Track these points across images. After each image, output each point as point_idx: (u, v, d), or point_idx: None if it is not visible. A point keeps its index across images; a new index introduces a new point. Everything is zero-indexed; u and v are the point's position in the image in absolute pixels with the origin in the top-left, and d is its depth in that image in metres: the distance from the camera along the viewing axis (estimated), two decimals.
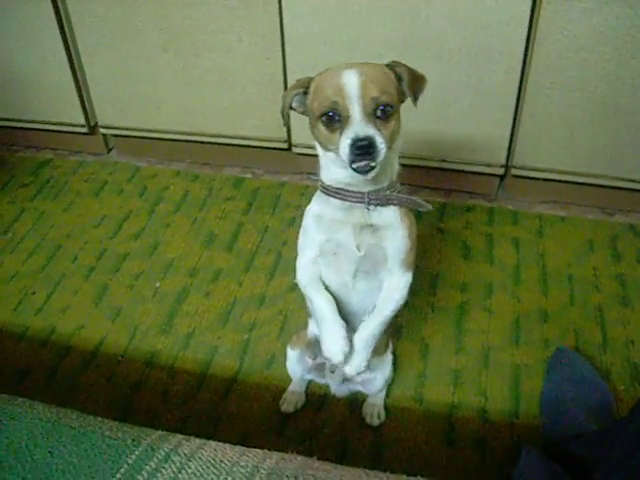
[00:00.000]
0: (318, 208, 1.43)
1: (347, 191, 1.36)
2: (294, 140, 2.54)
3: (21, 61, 2.69)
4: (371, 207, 1.36)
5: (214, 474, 0.96)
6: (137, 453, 0.97)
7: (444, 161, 2.42)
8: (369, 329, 1.46)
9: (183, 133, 2.70)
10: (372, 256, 1.41)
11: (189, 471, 0.95)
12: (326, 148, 1.32)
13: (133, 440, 1.00)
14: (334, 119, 1.26)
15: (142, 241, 2.44)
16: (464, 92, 2.24)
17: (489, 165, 2.40)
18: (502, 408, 1.81)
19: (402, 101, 1.35)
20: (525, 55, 2.13)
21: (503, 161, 2.38)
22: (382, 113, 1.25)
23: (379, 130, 1.23)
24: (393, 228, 1.39)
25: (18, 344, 2.08)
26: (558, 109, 2.21)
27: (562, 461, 1.05)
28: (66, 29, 2.56)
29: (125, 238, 2.46)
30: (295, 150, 2.57)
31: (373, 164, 1.23)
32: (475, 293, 2.14)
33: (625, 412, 1.76)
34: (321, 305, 1.46)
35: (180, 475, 0.95)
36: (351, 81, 1.24)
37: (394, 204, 1.38)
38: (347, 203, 1.37)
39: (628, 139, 2.23)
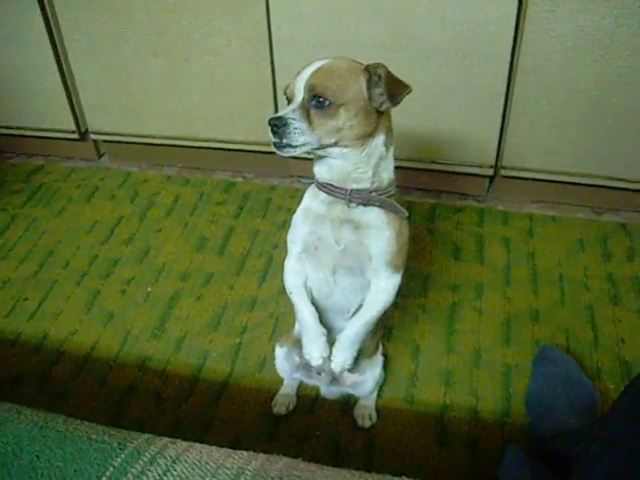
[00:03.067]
0: (308, 202, 1.46)
1: (333, 186, 1.38)
2: None
3: (10, 67, 2.69)
4: (352, 204, 1.38)
5: (199, 476, 0.96)
6: (123, 456, 0.98)
7: (434, 162, 2.43)
8: (354, 328, 1.49)
9: (174, 138, 2.70)
10: (353, 253, 1.43)
11: (174, 473, 0.96)
12: None
13: (119, 443, 1.01)
14: (289, 103, 1.34)
15: (133, 246, 2.44)
16: (452, 93, 2.25)
17: (479, 166, 2.41)
18: (493, 408, 1.81)
19: (377, 106, 1.33)
20: (512, 56, 2.14)
21: (492, 162, 2.39)
22: (317, 102, 1.27)
23: (306, 119, 1.28)
24: (377, 228, 1.40)
25: (10, 350, 2.08)
26: (546, 109, 2.22)
27: (546, 458, 1.06)
28: (55, 35, 2.56)
29: (116, 243, 2.47)
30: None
31: (285, 141, 1.28)
32: (466, 294, 2.15)
33: None
34: (304, 314, 1.51)
35: (165, 478, 0.95)
36: (308, 70, 1.31)
37: (375, 205, 1.39)
38: (331, 198, 1.40)
39: (617, 138, 2.24)
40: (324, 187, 1.40)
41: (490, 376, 1.89)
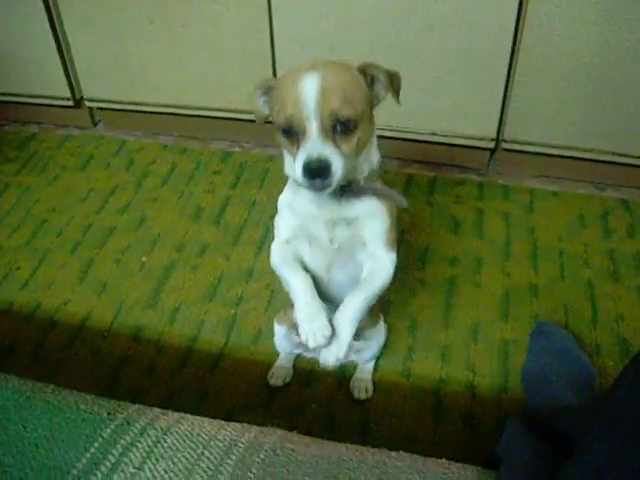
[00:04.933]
0: (289, 196, 1.39)
1: None
2: None
3: (4, 34, 2.63)
4: (343, 201, 1.32)
5: (191, 448, 0.94)
6: (112, 427, 0.95)
7: (434, 134, 2.39)
8: (353, 304, 1.34)
9: (170, 106, 2.66)
10: (348, 248, 1.39)
11: (165, 445, 0.94)
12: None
13: (109, 414, 0.99)
14: (292, 132, 1.19)
15: (128, 215, 2.41)
16: (454, 65, 2.21)
17: (480, 139, 2.37)
18: (490, 383, 1.80)
19: (375, 105, 1.28)
20: (516, 27, 2.09)
21: (494, 134, 2.35)
22: (343, 127, 1.17)
23: (338, 148, 1.17)
24: (371, 216, 1.35)
25: (3, 319, 2.06)
26: (549, 82, 2.18)
27: (544, 435, 1.04)
28: (50, 0, 2.50)
29: (111, 212, 2.43)
30: None
31: (328, 183, 1.17)
32: (464, 268, 2.12)
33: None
34: (297, 284, 1.37)
35: (155, 449, 0.93)
36: (310, 90, 1.15)
37: (369, 195, 1.33)
38: (318, 195, 1.31)
39: (620, 112, 2.20)
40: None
41: (488, 351, 1.88)
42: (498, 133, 2.36)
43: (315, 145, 1.15)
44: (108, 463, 0.90)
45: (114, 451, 0.91)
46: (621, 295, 2.02)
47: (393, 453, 0.94)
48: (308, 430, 1.69)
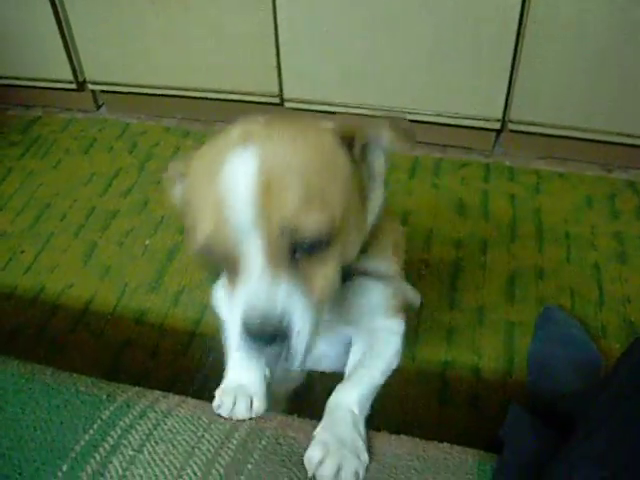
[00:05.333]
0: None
1: None
2: (286, 95, 2.49)
3: (6, 17, 2.62)
4: None
5: (191, 431, 0.93)
6: (112, 409, 0.95)
7: (440, 115, 2.37)
8: (350, 396, 1.00)
9: (173, 88, 2.64)
10: (329, 328, 1.04)
11: (165, 428, 0.93)
12: None
13: (108, 396, 0.98)
14: (219, 261, 0.81)
15: (132, 198, 2.40)
16: (460, 43, 2.18)
17: (486, 119, 2.35)
18: (495, 366, 1.78)
19: (369, 186, 0.90)
20: (522, 5, 2.06)
21: (500, 115, 2.32)
22: (309, 248, 0.78)
23: (301, 284, 0.78)
24: (364, 290, 1.03)
25: (6, 303, 2.05)
26: (556, 61, 2.15)
27: (547, 418, 1.03)
28: None
29: (115, 195, 2.42)
30: (287, 105, 2.51)
31: (286, 353, 0.78)
32: (470, 250, 2.11)
33: None
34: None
35: (155, 432, 0.92)
36: (241, 187, 0.75)
37: (360, 275, 0.98)
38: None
39: (628, 92, 2.18)
40: None
41: (493, 334, 1.86)
42: (504, 114, 2.33)
43: (258, 288, 0.76)
44: (107, 445, 0.89)
45: (113, 433, 0.91)
46: (628, 277, 2.00)
47: (393, 437, 0.93)
48: (310, 414, 1.69)
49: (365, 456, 0.90)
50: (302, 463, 0.85)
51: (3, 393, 0.98)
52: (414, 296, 1.06)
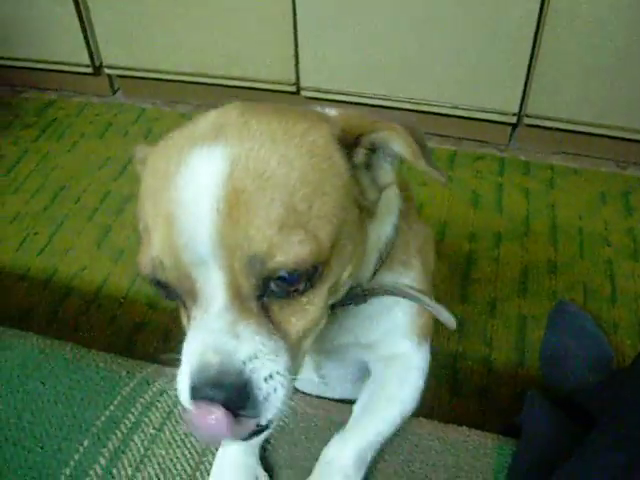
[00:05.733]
0: None
1: None
2: (303, 83, 2.48)
3: (25, 0, 2.62)
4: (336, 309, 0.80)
5: None
6: (131, 385, 0.96)
7: (456, 107, 2.36)
8: (346, 452, 0.83)
9: (189, 74, 2.64)
10: (343, 352, 0.94)
11: None
12: None
13: (128, 372, 0.99)
14: (173, 293, 0.68)
15: None
16: (479, 35, 2.18)
17: (502, 113, 2.34)
18: (507, 358, 1.79)
19: (368, 202, 0.73)
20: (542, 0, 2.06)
21: (516, 109, 2.32)
22: (286, 284, 0.63)
23: (269, 329, 0.64)
24: (387, 308, 0.90)
25: (20, 284, 2.06)
26: (575, 56, 2.15)
27: (564, 410, 1.03)
28: None
29: (129, 180, 2.43)
30: (304, 94, 2.51)
31: (251, 426, 0.63)
32: (483, 242, 2.11)
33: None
34: None
35: (175, 410, 0.93)
36: (201, 205, 0.61)
37: (381, 294, 0.84)
38: None
39: None
40: None
41: (505, 326, 1.86)
42: (520, 108, 2.33)
43: (212, 334, 0.63)
44: (128, 422, 0.90)
45: (133, 410, 0.91)
46: None
47: (413, 419, 0.93)
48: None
49: None
50: (320, 438, 0.85)
51: (23, 368, 0.98)
52: (448, 317, 0.85)
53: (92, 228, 2.25)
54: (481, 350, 1.81)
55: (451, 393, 1.72)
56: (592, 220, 2.18)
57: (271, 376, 0.61)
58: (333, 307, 0.75)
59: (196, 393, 0.61)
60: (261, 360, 0.61)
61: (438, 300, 0.90)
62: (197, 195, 0.60)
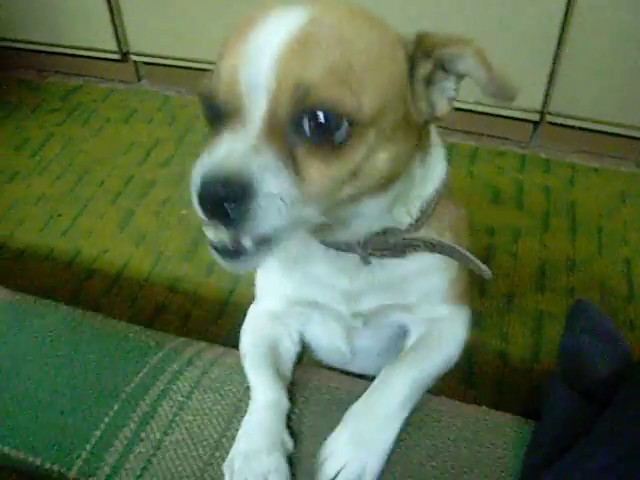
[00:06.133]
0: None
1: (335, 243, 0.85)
2: None
3: None
4: (374, 259, 0.86)
5: (237, 382, 0.96)
6: (160, 355, 0.98)
7: (479, 104, 2.37)
8: (399, 380, 0.87)
9: (214, 63, 2.66)
10: (381, 315, 0.96)
11: (212, 376, 0.96)
12: None
13: (157, 343, 1.01)
14: (217, 115, 0.72)
15: (170, 169, 2.43)
16: (504, 32, 2.18)
17: (524, 110, 2.35)
18: (523, 353, 1.80)
19: (422, 120, 0.77)
20: None
21: (539, 107, 2.33)
22: (319, 129, 0.66)
23: (291, 169, 0.66)
24: (424, 274, 0.92)
25: (43, 264, 2.09)
26: (600, 55, 2.15)
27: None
28: None
29: (153, 165, 2.46)
30: None
31: (245, 242, 0.67)
32: (502, 237, 2.12)
33: None
34: (256, 397, 0.90)
35: (203, 380, 0.95)
36: (269, 38, 0.67)
37: (422, 251, 0.86)
38: (333, 250, 0.86)
39: None
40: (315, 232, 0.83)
41: (521, 321, 1.87)
42: (543, 105, 2.33)
43: (237, 143, 0.65)
44: (156, 389, 0.92)
45: (162, 378, 0.94)
46: None
47: (434, 397, 0.95)
48: None
49: (381, 456, 0.82)
50: (344, 409, 0.86)
51: (56, 335, 1.01)
52: (484, 268, 0.89)
53: (115, 211, 2.27)
54: (497, 344, 1.82)
55: (466, 386, 1.73)
56: (611, 219, 2.19)
57: (273, 196, 0.64)
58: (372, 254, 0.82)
59: (204, 187, 0.65)
60: (271, 177, 0.64)
61: None
62: (272, 29, 0.67)
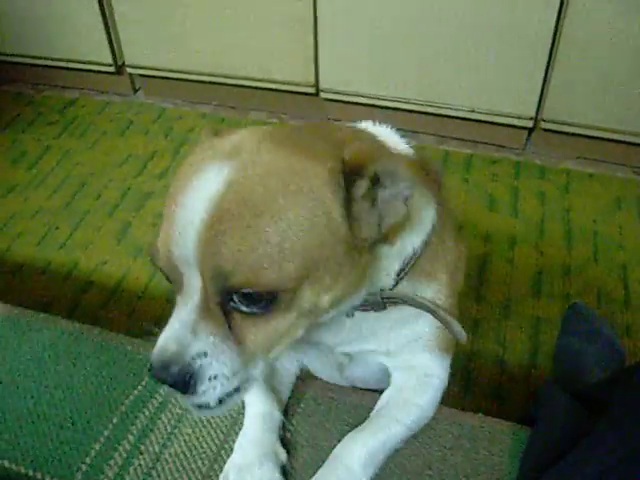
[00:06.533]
0: None
1: None
2: (322, 85, 2.51)
3: None
4: (357, 314, 0.87)
5: None
6: None
7: (473, 111, 2.39)
8: (363, 444, 0.87)
9: (210, 74, 2.68)
10: (366, 355, 0.97)
11: None
12: None
13: None
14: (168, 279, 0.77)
15: (166, 181, 2.43)
16: (496, 38, 2.20)
17: (518, 117, 2.36)
18: (520, 359, 1.80)
19: (368, 239, 0.75)
20: (561, 5, 2.08)
21: (533, 113, 2.34)
22: (247, 301, 0.70)
23: (226, 335, 0.71)
24: (410, 317, 0.92)
25: (40, 277, 2.10)
26: (592, 62, 2.17)
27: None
28: None
29: (149, 177, 2.46)
30: (323, 95, 2.54)
31: (197, 400, 0.73)
32: (498, 244, 2.13)
33: None
34: (248, 408, 0.93)
35: None
36: (193, 217, 0.69)
37: (400, 304, 0.86)
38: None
39: None
40: None
41: (518, 327, 1.88)
42: (537, 112, 2.35)
43: (177, 326, 0.72)
44: (155, 402, 0.93)
45: (161, 391, 0.94)
46: None
47: None
48: None
49: None
50: (340, 420, 0.87)
51: (54, 349, 1.02)
52: (459, 331, 0.85)
53: (112, 224, 2.28)
54: (494, 350, 1.83)
55: (464, 392, 1.73)
56: (607, 225, 2.20)
57: (215, 377, 0.71)
58: (353, 312, 0.84)
59: (153, 372, 0.71)
60: (209, 360, 0.70)
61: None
62: (194, 204, 0.68)
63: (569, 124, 2.35)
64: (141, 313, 1.97)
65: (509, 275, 2.03)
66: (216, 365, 0.70)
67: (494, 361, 1.80)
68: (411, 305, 0.85)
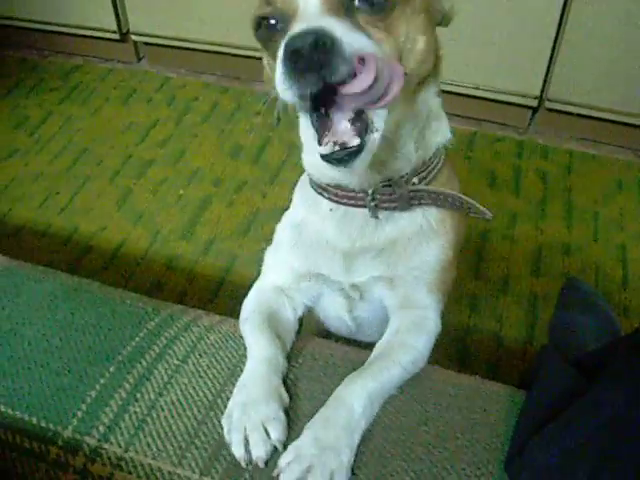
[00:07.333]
0: (301, 212, 1.01)
1: (345, 190, 0.90)
2: None
3: None
4: (381, 215, 0.91)
5: (232, 348, 0.97)
6: (157, 320, 0.99)
7: (477, 88, 2.38)
8: (359, 388, 0.87)
9: (215, 44, 2.66)
10: (371, 288, 1.01)
11: (208, 342, 0.97)
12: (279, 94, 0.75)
13: (153, 309, 1.02)
14: (274, 29, 0.78)
15: (168, 149, 2.43)
16: (504, 17, 2.19)
17: (523, 96, 2.35)
18: (517, 335, 1.81)
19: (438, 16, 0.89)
20: None
21: (537, 92, 2.33)
22: (367, 1, 0.74)
23: (359, 31, 0.72)
24: (425, 237, 0.95)
25: (40, 241, 2.10)
26: (599, 42, 2.16)
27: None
28: None
29: (151, 145, 2.46)
30: None
31: (334, 80, 0.68)
32: (499, 222, 2.13)
33: None
34: (253, 351, 0.93)
35: (199, 345, 0.96)
36: None
37: (426, 204, 0.92)
38: (342, 208, 0.93)
39: None
40: (329, 192, 0.92)
41: (516, 304, 1.89)
42: (542, 91, 2.34)
43: (304, 25, 0.70)
44: (153, 353, 0.93)
45: (158, 342, 0.94)
46: None
47: (428, 366, 0.96)
48: None
49: (345, 461, 0.80)
50: (338, 374, 0.88)
51: (53, 299, 1.02)
52: (484, 211, 0.95)
53: (113, 190, 2.28)
54: (492, 326, 1.84)
55: (460, 367, 1.74)
56: (607, 206, 2.20)
57: (358, 43, 0.69)
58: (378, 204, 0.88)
59: (289, 42, 0.68)
60: (347, 34, 0.69)
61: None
62: None
63: (573, 104, 2.34)
64: (140, 279, 1.98)
65: (508, 252, 2.03)
66: (356, 36, 0.70)
67: (491, 336, 1.81)
68: (434, 200, 0.90)
